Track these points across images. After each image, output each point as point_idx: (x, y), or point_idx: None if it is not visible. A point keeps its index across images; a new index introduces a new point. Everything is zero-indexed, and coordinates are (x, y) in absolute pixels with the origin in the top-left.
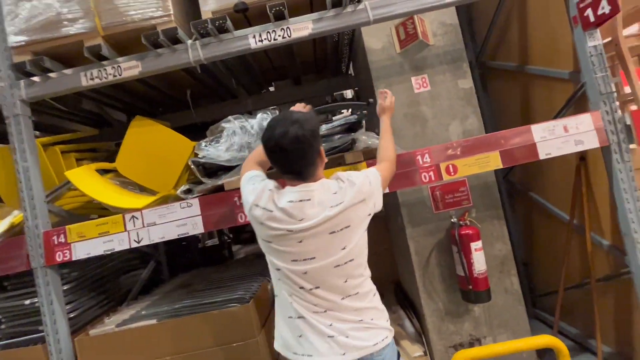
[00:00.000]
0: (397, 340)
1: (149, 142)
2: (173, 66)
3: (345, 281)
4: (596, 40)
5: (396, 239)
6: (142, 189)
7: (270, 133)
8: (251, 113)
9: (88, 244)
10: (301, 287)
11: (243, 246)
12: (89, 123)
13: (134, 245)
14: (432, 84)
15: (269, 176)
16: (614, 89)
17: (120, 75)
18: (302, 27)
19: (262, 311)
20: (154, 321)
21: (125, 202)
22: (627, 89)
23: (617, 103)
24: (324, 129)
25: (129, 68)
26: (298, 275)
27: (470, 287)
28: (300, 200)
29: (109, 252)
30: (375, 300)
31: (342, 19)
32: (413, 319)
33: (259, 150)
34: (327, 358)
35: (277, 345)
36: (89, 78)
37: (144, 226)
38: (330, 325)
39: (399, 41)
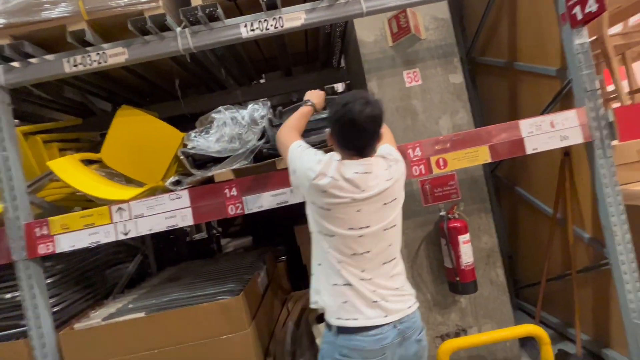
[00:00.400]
0: None
1: (136, 133)
2: (161, 54)
3: (390, 245)
4: (583, 38)
5: None
6: (129, 181)
7: (346, 110)
8: (241, 104)
9: (73, 236)
10: (353, 254)
11: (232, 239)
12: (72, 112)
13: (121, 237)
14: (423, 78)
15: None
16: (598, 87)
17: (105, 62)
18: (294, 17)
19: (253, 303)
20: (142, 314)
21: (112, 194)
22: (611, 87)
23: (601, 100)
24: (313, 119)
25: (115, 55)
26: (353, 239)
27: (458, 278)
28: (365, 173)
29: (95, 245)
30: (403, 268)
31: (335, 10)
32: None
33: (298, 119)
34: (372, 320)
35: (315, 306)
36: (72, 64)
37: (131, 218)
38: (374, 291)
39: (392, 34)
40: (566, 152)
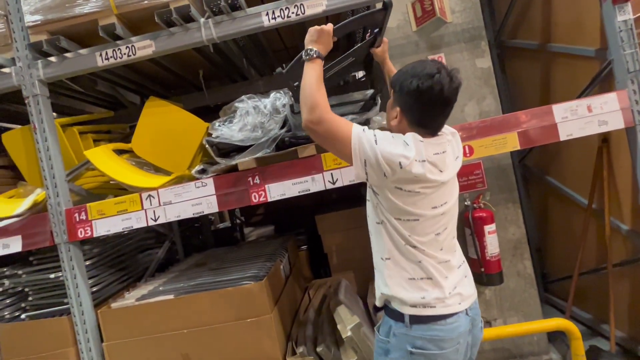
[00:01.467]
0: None
1: (164, 123)
2: (186, 45)
3: (455, 219)
4: (627, 14)
5: None
6: (157, 170)
7: (435, 82)
8: (263, 94)
9: (108, 222)
10: (436, 233)
11: (255, 228)
12: (104, 105)
13: (151, 223)
14: (448, 63)
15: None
16: None
17: (134, 54)
18: (315, 3)
19: (275, 289)
20: (171, 296)
21: (142, 182)
22: None
23: None
24: (335, 102)
25: (143, 47)
26: (435, 218)
27: (483, 269)
28: (443, 152)
29: (128, 230)
30: None
31: None
32: None
33: (318, 90)
34: (450, 307)
35: (380, 301)
36: (104, 58)
37: (160, 205)
38: (447, 277)
39: (415, 19)
40: (604, 138)
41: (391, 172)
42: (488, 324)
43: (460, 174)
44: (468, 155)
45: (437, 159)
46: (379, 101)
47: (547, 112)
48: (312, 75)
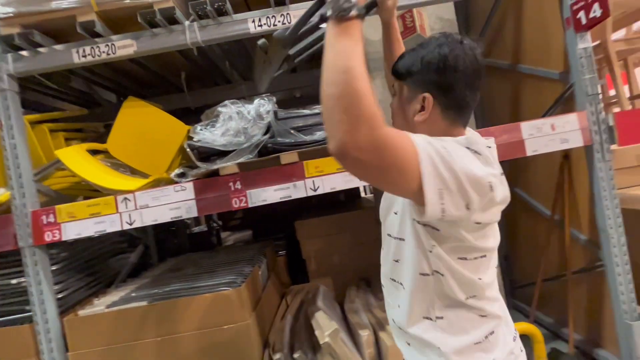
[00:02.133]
0: (383, 325)
1: (142, 124)
2: (169, 47)
3: None
4: (586, 42)
5: None
6: (134, 172)
7: (466, 46)
8: (245, 99)
9: (79, 225)
10: (496, 266)
11: (232, 233)
12: (78, 102)
13: (126, 227)
14: None
15: None
16: (599, 91)
17: (114, 53)
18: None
19: (254, 295)
20: (144, 303)
21: (117, 184)
22: (612, 92)
23: (602, 105)
24: (318, 110)
25: (124, 47)
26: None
27: None
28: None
29: (100, 234)
30: None
31: None
32: None
33: (362, 74)
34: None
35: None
36: (81, 55)
37: (136, 208)
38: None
39: None
40: (566, 154)
41: (478, 201)
42: None
43: None
44: None
45: (496, 160)
46: None
47: (516, 129)
48: (350, 53)
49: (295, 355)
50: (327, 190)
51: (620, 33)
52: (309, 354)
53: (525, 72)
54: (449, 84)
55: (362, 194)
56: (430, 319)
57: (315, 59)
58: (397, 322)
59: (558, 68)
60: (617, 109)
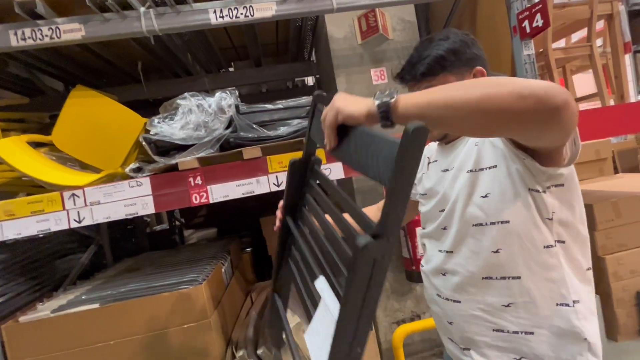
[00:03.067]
0: None
1: (93, 116)
2: (122, 34)
3: None
4: (530, 49)
5: None
6: (85, 166)
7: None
8: (208, 92)
9: (18, 224)
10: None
11: (196, 231)
12: (17, 89)
13: (75, 225)
14: (389, 77)
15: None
16: None
17: (58, 37)
18: (265, 7)
19: (216, 293)
20: (96, 305)
21: (64, 179)
22: None
23: None
24: (282, 105)
25: (70, 31)
26: None
27: (414, 267)
28: None
29: (44, 234)
30: None
31: (306, 4)
32: None
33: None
34: None
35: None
36: (20, 37)
37: (86, 205)
38: None
39: (361, 32)
40: None
41: (576, 151)
42: (418, 317)
43: None
44: None
45: None
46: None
47: None
48: (473, 90)
49: (259, 351)
50: None
51: (561, 43)
52: (272, 349)
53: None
54: (482, 51)
55: None
56: (568, 305)
57: (279, 54)
58: (509, 327)
59: (507, 72)
60: None
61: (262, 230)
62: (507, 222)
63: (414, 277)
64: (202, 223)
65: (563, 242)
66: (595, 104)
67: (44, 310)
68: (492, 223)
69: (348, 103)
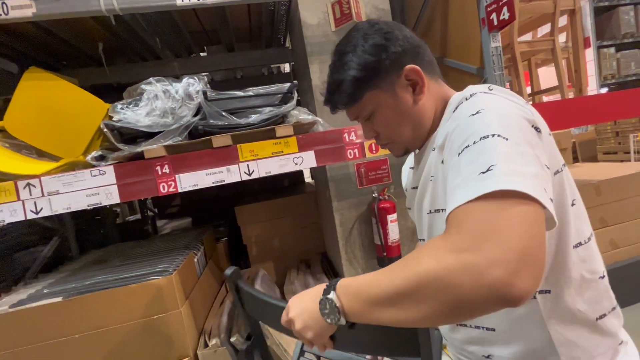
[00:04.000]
0: None
1: (50, 100)
2: (78, 12)
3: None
4: (497, 42)
5: (324, 212)
6: (42, 154)
7: (402, 28)
8: (178, 77)
9: None
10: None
11: (169, 221)
12: None
13: (32, 216)
14: None
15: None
16: (507, 87)
17: (6, 14)
18: None
19: (187, 283)
20: (59, 299)
21: (19, 168)
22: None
23: None
24: (252, 93)
25: (19, 7)
26: None
27: (385, 254)
28: None
29: None
30: None
31: None
32: None
33: None
34: None
35: None
36: None
37: (43, 195)
38: None
39: (334, 19)
40: None
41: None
42: None
43: (369, 169)
44: (375, 152)
45: None
46: (296, 95)
47: None
48: (391, 278)
49: (232, 339)
50: (262, 174)
51: (528, 37)
52: (245, 336)
53: (450, 66)
54: (404, 40)
55: (307, 179)
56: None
57: (253, 40)
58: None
59: (476, 64)
60: None
61: (237, 219)
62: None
63: (385, 263)
64: (176, 213)
65: (547, 291)
66: (557, 97)
67: (2, 305)
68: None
69: (306, 327)
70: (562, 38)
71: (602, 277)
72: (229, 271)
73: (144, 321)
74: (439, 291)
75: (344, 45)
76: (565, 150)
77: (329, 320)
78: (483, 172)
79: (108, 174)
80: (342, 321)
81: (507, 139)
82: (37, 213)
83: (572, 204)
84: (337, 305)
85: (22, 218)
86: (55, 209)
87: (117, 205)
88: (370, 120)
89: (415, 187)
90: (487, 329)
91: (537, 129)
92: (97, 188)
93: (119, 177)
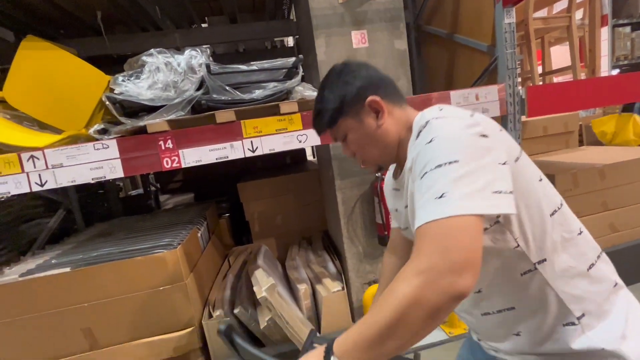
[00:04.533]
0: (319, 279)
1: (48, 70)
2: None
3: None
4: (511, 18)
5: (326, 191)
6: (43, 127)
7: (365, 64)
8: (179, 49)
9: None
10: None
11: (172, 196)
12: None
13: (37, 188)
14: (370, 41)
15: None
16: (518, 66)
17: None
18: None
19: (192, 257)
20: (67, 269)
21: (21, 140)
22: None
23: (520, 79)
24: (256, 67)
25: None
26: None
27: (386, 232)
28: None
29: (4, 197)
30: None
31: None
32: (335, 261)
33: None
34: None
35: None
36: None
37: (47, 167)
38: None
39: None
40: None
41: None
42: None
43: None
44: None
45: None
46: (301, 70)
47: (446, 97)
48: (370, 327)
49: (236, 311)
50: (266, 151)
51: (543, 12)
52: (249, 308)
53: (460, 42)
54: (380, 94)
55: (309, 157)
56: (574, 324)
57: (256, 11)
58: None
59: (487, 41)
60: (530, 84)
61: (240, 195)
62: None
63: (386, 241)
64: (179, 188)
65: (544, 260)
66: (568, 77)
67: (12, 274)
68: None
69: None
70: (578, 15)
71: (580, 233)
72: (222, 326)
73: (150, 292)
74: (417, 309)
75: (323, 82)
76: (572, 133)
77: None
78: (438, 198)
79: (111, 147)
80: None
81: (457, 161)
82: (42, 185)
83: (540, 180)
84: None
85: (27, 190)
86: (61, 182)
87: (120, 179)
88: (345, 141)
89: (406, 206)
90: (508, 309)
91: (484, 135)
92: (101, 162)
93: (122, 151)
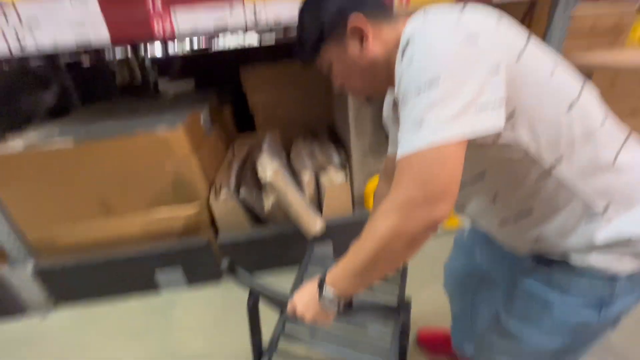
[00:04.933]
0: (324, 169)
1: None
2: None
3: None
4: None
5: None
6: None
7: None
8: None
9: None
10: None
11: (171, 80)
12: None
13: (18, 52)
14: None
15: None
16: None
17: None
18: None
19: (195, 137)
20: (70, 138)
21: None
22: None
23: None
24: None
25: None
26: None
27: None
28: None
29: None
30: None
31: None
32: (341, 154)
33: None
34: None
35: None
36: None
37: (21, 23)
38: None
39: None
40: (533, 2)
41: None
42: None
43: None
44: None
45: None
46: None
47: None
48: (359, 254)
49: (241, 193)
50: (271, 21)
51: None
52: (253, 190)
53: None
54: (362, 11)
55: None
56: (597, 219)
57: None
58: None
59: None
60: None
61: (243, 82)
62: (482, 174)
63: None
64: (179, 73)
65: (560, 161)
66: None
67: (17, 147)
68: (470, 183)
69: (310, 312)
70: None
71: (603, 124)
72: (224, 264)
73: (155, 167)
74: (396, 242)
75: (303, 2)
76: (623, 31)
77: (332, 309)
78: (416, 126)
79: (90, 2)
80: (341, 304)
81: (437, 81)
82: (22, 50)
83: (552, 74)
84: (333, 296)
85: (7, 54)
86: (41, 44)
87: (115, 66)
88: (331, 72)
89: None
90: (525, 216)
91: (473, 38)
92: (81, 18)
93: (103, 6)
